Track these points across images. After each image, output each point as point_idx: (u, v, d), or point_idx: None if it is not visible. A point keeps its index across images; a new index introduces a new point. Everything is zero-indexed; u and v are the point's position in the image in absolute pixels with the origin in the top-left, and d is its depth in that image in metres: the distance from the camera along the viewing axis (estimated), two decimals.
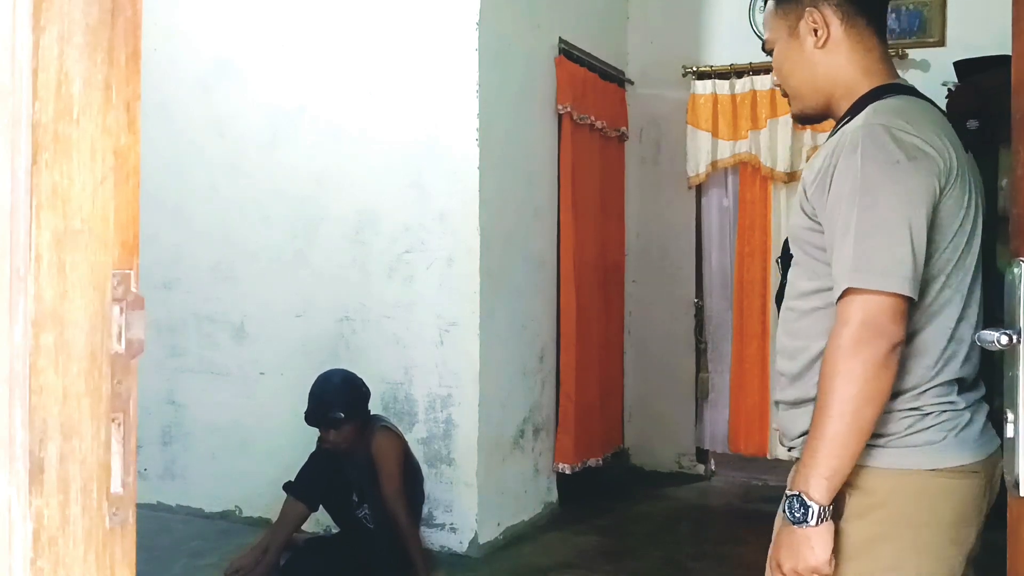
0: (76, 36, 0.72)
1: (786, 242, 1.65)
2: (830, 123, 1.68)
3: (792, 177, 4.92)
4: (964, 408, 1.51)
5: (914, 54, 4.86)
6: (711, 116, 5.13)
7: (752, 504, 4.80)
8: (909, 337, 1.46)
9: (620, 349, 5.34)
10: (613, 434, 5.19)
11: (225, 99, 4.50)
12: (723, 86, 5.12)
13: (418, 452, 3.91)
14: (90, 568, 0.73)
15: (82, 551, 0.72)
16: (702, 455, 5.38)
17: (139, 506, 0.79)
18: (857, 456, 1.42)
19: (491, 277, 4.05)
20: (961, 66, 4.39)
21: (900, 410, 1.47)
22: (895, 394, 1.45)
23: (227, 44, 4.50)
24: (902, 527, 1.47)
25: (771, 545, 1.52)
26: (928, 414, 1.48)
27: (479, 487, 4.00)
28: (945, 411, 1.49)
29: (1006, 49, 1.37)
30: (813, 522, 1.41)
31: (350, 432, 3.56)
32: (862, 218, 1.42)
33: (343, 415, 3.51)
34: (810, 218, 1.52)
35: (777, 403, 1.67)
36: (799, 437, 1.57)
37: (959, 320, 1.51)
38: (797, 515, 1.42)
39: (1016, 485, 1.13)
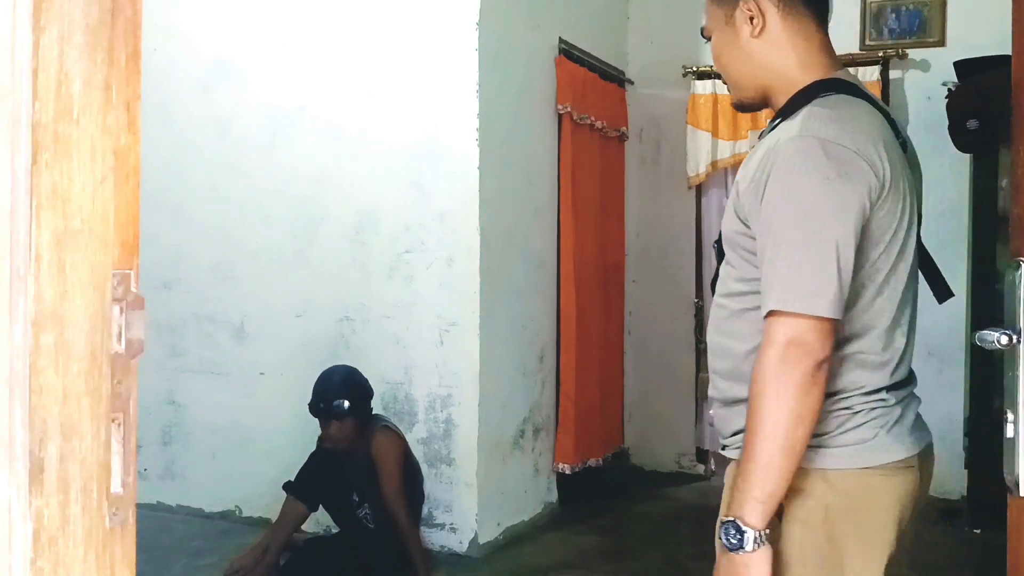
0: (76, 36, 0.72)
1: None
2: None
3: None
4: (895, 404, 1.50)
5: (914, 54, 4.86)
6: (711, 116, 5.13)
7: None
8: (841, 345, 1.45)
9: (620, 349, 5.34)
10: (613, 434, 5.18)
11: (225, 99, 4.50)
12: (723, 86, 5.08)
13: (418, 452, 3.91)
14: (90, 568, 0.73)
15: (82, 551, 0.72)
16: (702, 455, 5.37)
17: (139, 506, 0.79)
18: (791, 477, 1.40)
19: (491, 277, 4.05)
20: (961, 66, 4.39)
21: (831, 410, 1.46)
22: (826, 395, 1.43)
23: (227, 44, 4.50)
24: (840, 526, 1.46)
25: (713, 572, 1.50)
26: (858, 412, 1.47)
27: (479, 487, 4.00)
28: (875, 408, 1.48)
29: (1006, 49, 1.37)
30: (749, 548, 1.39)
31: (352, 427, 3.56)
32: (790, 237, 1.41)
33: (347, 405, 3.52)
34: (743, 223, 1.51)
35: (711, 400, 1.66)
36: (732, 436, 1.57)
37: (893, 327, 1.50)
38: (733, 541, 1.40)
39: (1016, 485, 1.13)
